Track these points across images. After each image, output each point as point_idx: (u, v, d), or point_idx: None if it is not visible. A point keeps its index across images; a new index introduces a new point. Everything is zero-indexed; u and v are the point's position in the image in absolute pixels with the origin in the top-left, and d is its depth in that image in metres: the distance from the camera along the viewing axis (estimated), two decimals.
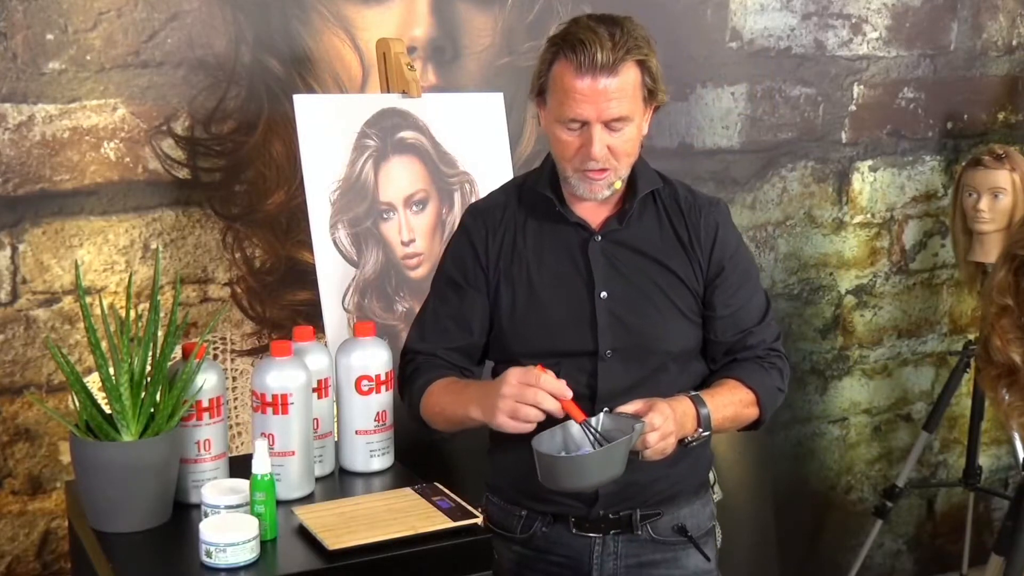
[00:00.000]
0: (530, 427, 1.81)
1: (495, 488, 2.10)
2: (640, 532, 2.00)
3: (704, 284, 2.00)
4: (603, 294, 1.96)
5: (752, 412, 2.00)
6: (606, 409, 1.87)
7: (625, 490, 1.95)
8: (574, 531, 2.00)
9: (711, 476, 2.13)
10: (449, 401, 1.96)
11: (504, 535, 2.07)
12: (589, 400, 1.94)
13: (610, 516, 1.99)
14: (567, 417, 1.83)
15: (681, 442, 1.88)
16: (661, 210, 2.01)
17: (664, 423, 1.81)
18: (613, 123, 1.87)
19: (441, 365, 2.03)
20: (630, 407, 1.84)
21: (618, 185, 1.94)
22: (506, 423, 1.82)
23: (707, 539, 2.08)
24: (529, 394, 1.79)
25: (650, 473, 1.94)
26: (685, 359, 2.00)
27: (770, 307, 2.08)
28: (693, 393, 1.93)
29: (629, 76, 1.87)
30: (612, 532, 2.00)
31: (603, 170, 1.90)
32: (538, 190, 2.00)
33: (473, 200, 2.56)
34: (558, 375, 1.91)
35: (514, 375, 1.82)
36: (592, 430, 1.81)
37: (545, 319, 1.97)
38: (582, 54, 1.83)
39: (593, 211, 1.99)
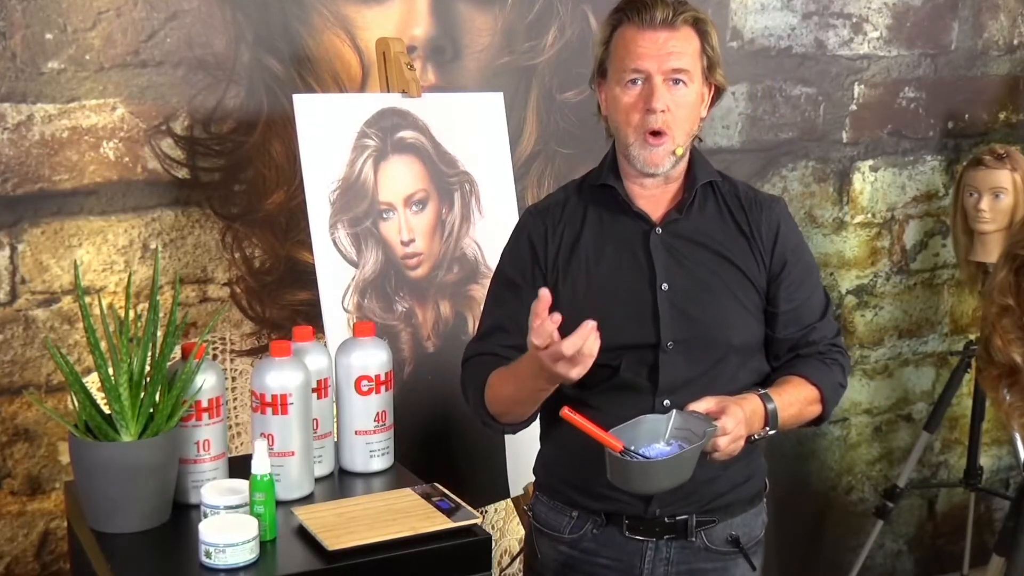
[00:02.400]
0: (588, 358, 1.74)
1: (545, 487, 2.09)
2: (695, 539, 1.98)
3: (767, 279, 2.00)
4: (664, 286, 1.95)
5: (815, 409, 2.00)
6: (667, 402, 1.88)
7: (680, 488, 1.91)
8: (627, 533, 1.99)
9: (765, 483, 2.11)
10: (509, 382, 1.93)
11: (551, 535, 2.06)
12: (650, 393, 1.93)
13: (665, 520, 1.97)
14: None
15: (747, 439, 1.88)
16: (722, 204, 2.02)
17: (736, 427, 1.81)
18: (673, 76, 1.91)
19: (498, 363, 2.00)
20: (701, 405, 1.83)
21: (679, 152, 1.94)
22: (579, 374, 1.76)
23: (757, 548, 2.07)
24: (561, 350, 1.72)
25: (706, 472, 1.92)
26: (746, 353, 1.99)
27: (830, 303, 2.08)
28: (762, 391, 1.92)
29: (689, 37, 1.93)
30: (666, 537, 1.98)
31: (662, 134, 1.92)
32: (599, 184, 2.01)
33: (473, 200, 2.56)
34: (619, 368, 1.93)
35: (531, 346, 1.75)
36: (633, 454, 1.78)
37: (606, 312, 1.94)
38: (644, 13, 1.91)
39: (654, 203, 2.00)
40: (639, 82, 1.92)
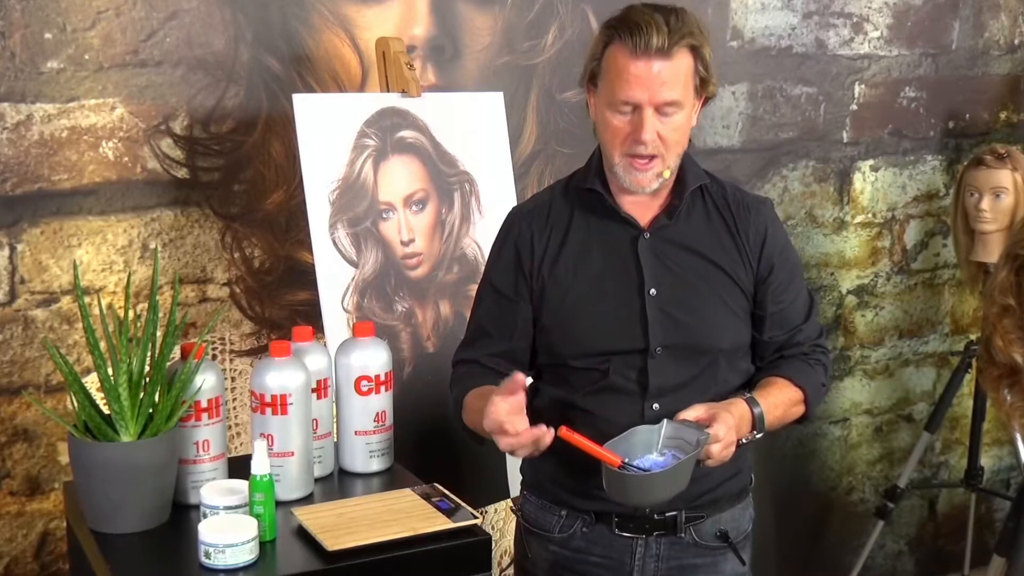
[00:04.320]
0: (530, 448, 1.80)
1: (533, 486, 2.09)
2: (684, 535, 1.99)
3: (754, 282, 2.00)
4: (652, 291, 1.94)
5: (799, 410, 2.01)
6: (656, 406, 1.88)
7: None
8: (616, 531, 1.99)
9: (751, 478, 2.12)
10: (476, 419, 1.92)
11: (540, 534, 2.06)
12: (640, 397, 1.93)
13: (655, 517, 1.98)
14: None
15: (736, 444, 1.88)
16: (710, 207, 2.00)
17: (728, 433, 1.81)
18: (664, 108, 1.87)
19: (480, 372, 2.01)
20: (691, 414, 1.83)
21: (667, 175, 1.93)
22: (519, 454, 1.83)
23: (745, 543, 2.08)
24: (505, 440, 1.78)
25: (695, 471, 1.93)
26: (735, 356, 2.00)
27: (814, 303, 2.08)
28: (747, 395, 1.92)
29: (683, 62, 1.87)
30: (655, 534, 1.99)
31: (651, 158, 1.89)
32: (586, 187, 1.99)
33: (472, 200, 2.56)
34: (608, 373, 1.92)
35: (487, 421, 1.80)
36: (633, 467, 1.79)
37: (594, 318, 1.96)
38: (638, 37, 1.84)
39: (641, 208, 1.98)
40: (628, 111, 1.88)
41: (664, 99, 1.86)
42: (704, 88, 1.93)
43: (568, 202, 2.02)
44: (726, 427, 1.81)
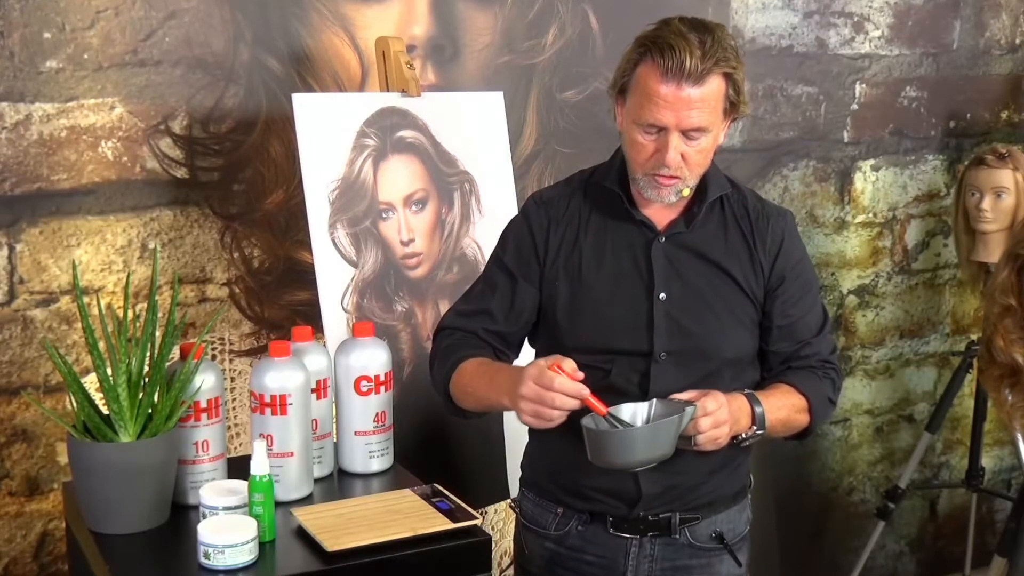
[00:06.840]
0: (556, 423, 1.80)
1: (531, 483, 2.10)
2: (678, 536, 2.00)
3: (764, 292, 1.99)
4: (662, 295, 1.94)
5: (803, 418, 1.99)
6: (654, 400, 1.87)
7: (667, 493, 1.96)
8: (611, 531, 2.00)
9: (750, 479, 2.12)
10: (482, 383, 1.94)
11: (537, 531, 2.07)
12: (639, 400, 1.92)
13: (649, 518, 1.98)
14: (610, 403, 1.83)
15: (735, 439, 1.88)
16: (728, 215, 2.00)
17: (718, 409, 1.81)
18: (691, 132, 1.86)
19: (478, 344, 2.01)
20: (684, 395, 1.84)
21: (686, 192, 1.93)
22: (531, 423, 1.83)
23: (741, 544, 2.08)
24: (547, 398, 1.78)
25: (693, 477, 1.95)
26: (740, 366, 1.99)
27: (827, 320, 2.07)
28: (748, 391, 1.92)
29: (713, 87, 1.84)
30: (650, 534, 1.99)
31: (673, 177, 1.89)
32: (606, 185, 1.99)
33: (472, 200, 2.56)
34: (610, 373, 1.92)
35: (530, 376, 1.79)
36: (615, 420, 1.80)
37: (601, 316, 1.96)
38: (670, 59, 1.81)
39: (659, 211, 1.98)
40: (654, 132, 1.87)
41: (691, 124, 1.85)
42: (734, 110, 1.91)
43: (588, 198, 2.01)
44: (716, 402, 1.81)
